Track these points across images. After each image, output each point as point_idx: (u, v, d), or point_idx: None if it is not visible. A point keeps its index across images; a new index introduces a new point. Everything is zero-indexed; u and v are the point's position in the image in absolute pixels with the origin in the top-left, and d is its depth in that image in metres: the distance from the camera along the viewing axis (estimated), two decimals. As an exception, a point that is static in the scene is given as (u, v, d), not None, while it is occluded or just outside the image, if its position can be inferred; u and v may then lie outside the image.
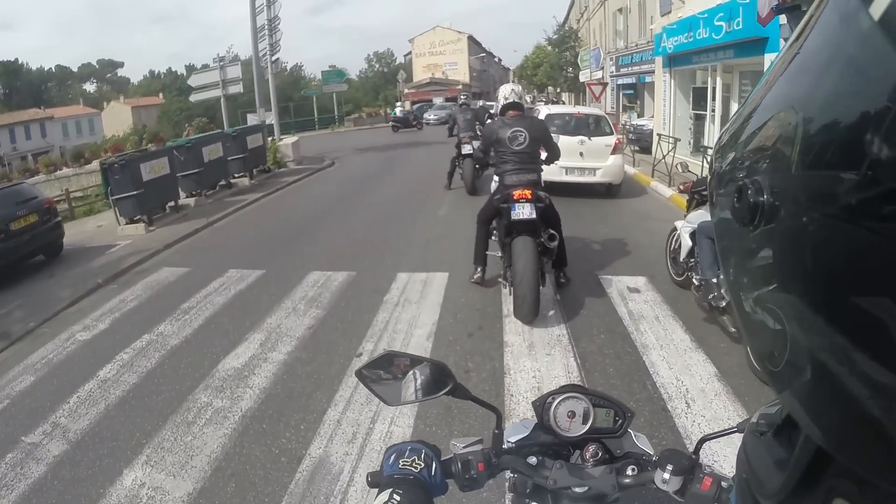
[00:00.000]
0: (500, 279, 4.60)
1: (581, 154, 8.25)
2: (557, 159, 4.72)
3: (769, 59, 7.78)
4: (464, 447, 0.96)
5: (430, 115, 33.23)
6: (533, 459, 0.97)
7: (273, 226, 8.21)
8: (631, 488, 0.94)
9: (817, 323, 0.32)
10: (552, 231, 4.19)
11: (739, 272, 0.42)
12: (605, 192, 8.70)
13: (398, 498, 0.79)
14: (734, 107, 9.67)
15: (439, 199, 9.12)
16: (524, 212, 4.07)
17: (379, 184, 11.43)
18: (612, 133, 8.82)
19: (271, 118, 16.42)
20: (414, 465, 0.88)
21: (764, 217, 0.36)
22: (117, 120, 44.98)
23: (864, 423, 0.30)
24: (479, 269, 4.86)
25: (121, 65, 71.24)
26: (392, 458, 0.91)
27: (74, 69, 65.24)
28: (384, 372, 0.97)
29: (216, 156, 10.78)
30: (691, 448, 0.97)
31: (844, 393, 0.30)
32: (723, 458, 2.38)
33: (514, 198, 4.09)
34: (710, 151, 8.77)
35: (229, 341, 4.19)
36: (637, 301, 4.49)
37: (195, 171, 9.94)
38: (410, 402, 0.96)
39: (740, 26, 8.52)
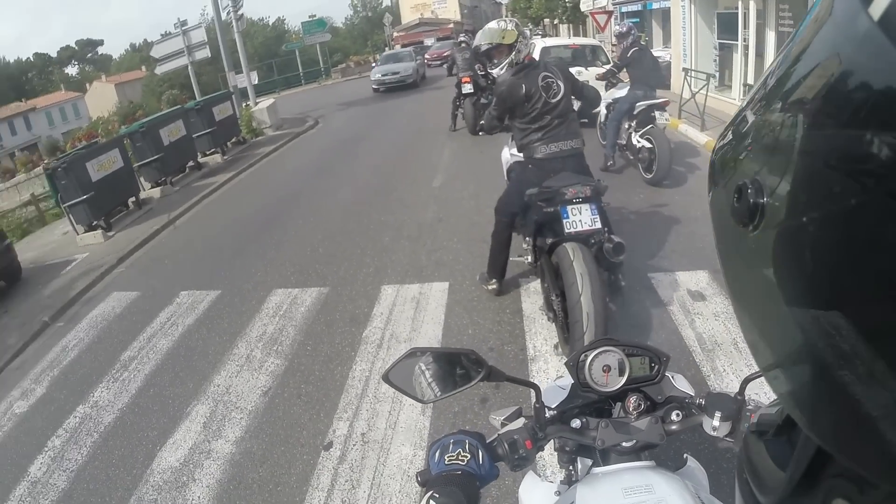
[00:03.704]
0: (541, 309, 3.48)
1: None
2: (598, 105, 3.51)
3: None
4: (504, 419, 0.95)
5: (377, 74, 19.13)
6: (577, 422, 0.96)
7: (238, 217, 7.11)
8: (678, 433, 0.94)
9: (818, 324, 0.31)
10: (617, 238, 2.83)
11: (738, 272, 0.40)
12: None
13: (434, 503, 0.76)
14: (770, 36, 8.09)
15: (433, 163, 7.95)
16: (584, 220, 2.82)
17: (363, 147, 10.19)
18: (608, 63, 8.86)
19: (244, 81, 14.92)
20: (460, 457, 0.85)
21: (764, 217, 0.34)
22: (103, 100, 42.45)
23: (865, 423, 0.30)
24: (494, 281, 3.77)
25: (101, 42, 67.89)
26: (437, 454, 0.87)
27: (54, 54, 61.98)
28: (411, 370, 0.92)
29: (178, 136, 9.52)
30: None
31: (844, 393, 0.30)
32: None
33: (568, 197, 2.85)
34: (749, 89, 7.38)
35: (168, 419, 3.24)
36: (705, 315, 3.39)
37: (155, 157, 8.76)
38: (447, 396, 0.93)
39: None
